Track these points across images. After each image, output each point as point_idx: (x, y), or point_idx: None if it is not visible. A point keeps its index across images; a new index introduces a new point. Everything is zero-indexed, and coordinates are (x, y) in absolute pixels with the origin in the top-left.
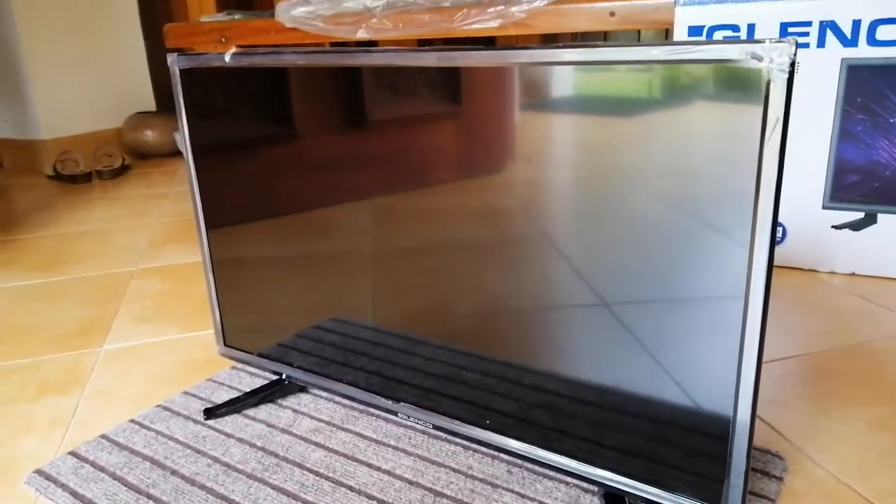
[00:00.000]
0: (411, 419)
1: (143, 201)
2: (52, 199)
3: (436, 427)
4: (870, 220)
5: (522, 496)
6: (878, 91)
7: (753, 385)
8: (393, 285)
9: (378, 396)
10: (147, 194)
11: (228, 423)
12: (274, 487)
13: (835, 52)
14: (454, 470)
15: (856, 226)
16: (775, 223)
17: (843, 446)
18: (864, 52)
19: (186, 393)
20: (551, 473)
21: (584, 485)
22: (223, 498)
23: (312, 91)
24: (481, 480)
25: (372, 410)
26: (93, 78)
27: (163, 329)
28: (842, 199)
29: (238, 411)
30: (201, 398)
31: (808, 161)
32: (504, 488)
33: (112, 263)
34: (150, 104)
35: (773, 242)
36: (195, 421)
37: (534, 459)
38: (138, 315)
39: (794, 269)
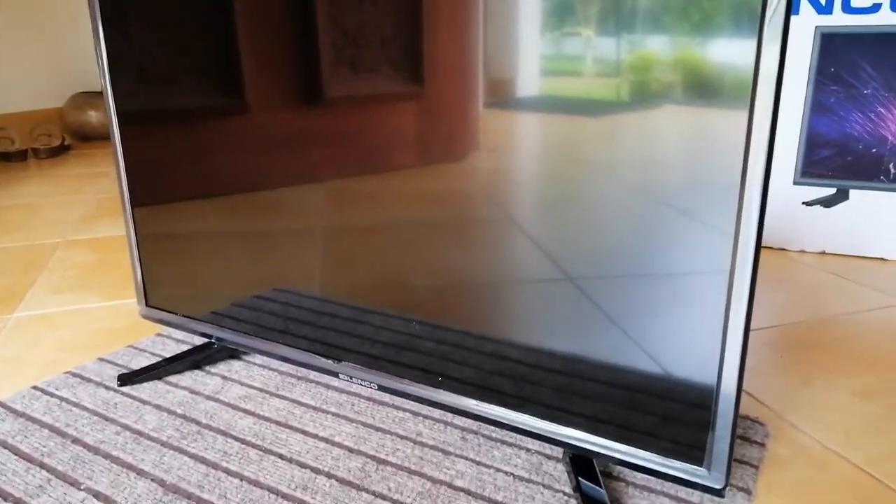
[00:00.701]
0: (354, 380)
1: (79, 179)
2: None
3: (382, 388)
4: (841, 196)
5: (478, 463)
6: (853, 61)
7: (744, 321)
8: (345, 258)
9: (318, 357)
10: (85, 173)
11: (146, 389)
12: (191, 456)
13: (808, 20)
14: (401, 437)
15: (827, 202)
16: (768, 177)
17: (828, 414)
18: (838, 19)
19: (101, 359)
20: (510, 439)
21: (548, 450)
22: (129, 467)
23: (264, 60)
24: (432, 447)
25: (311, 376)
26: (33, 54)
27: (83, 298)
28: (813, 175)
29: (159, 378)
30: (118, 365)
31: (779, 135)
32: (458, 455)
33: (38, 235)
34: (95, 84)
35: (765, 200)
36: (108, 388)
37: (492, 420)
38: (58, 284)
39: (763, 248)
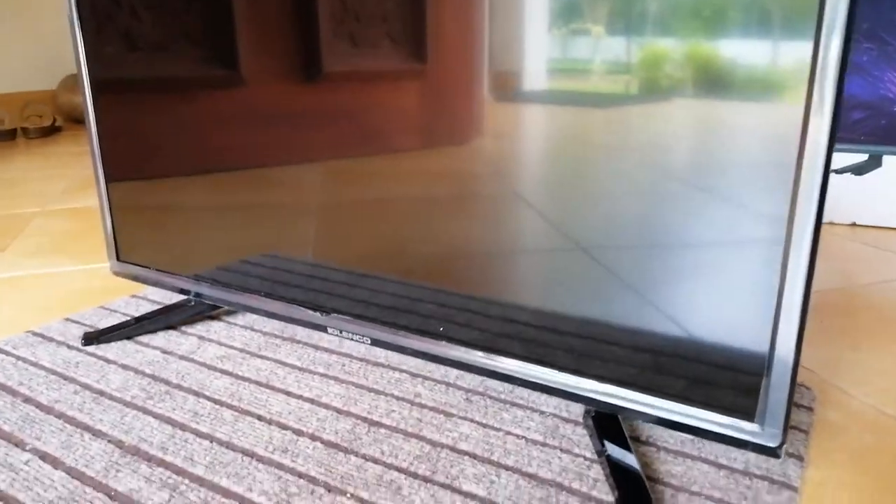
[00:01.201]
0: (345, 335)
1: (67, 157)
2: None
3: (376, 343)
4: (874, 162)
5: (485, 426)
6: (889, 16)
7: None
8: (341, 228)
9: (305, 310)
10: (74, 151)
11: (113, 349)
12: (156, 416)
13: None
14: (398, 398)
15: (859, 169)
16: (835, 127)
17: (880, 379)
18: None
19: (68, 320)
20: (521, 401)
21: (564, 413)
22: (85, 427)
23: (259, 30)
24: (432, 409)
25: (298, 336)
26: (26, 36)
27: (56, 262)
28: (844, 139)
29: (129, 338)
30: (85, 325)
31: None
32: (461, 417)
33: (18, 205)
34: None
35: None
36: (70, 347)
37: (504, 375)
38: (32, 250)
39: None
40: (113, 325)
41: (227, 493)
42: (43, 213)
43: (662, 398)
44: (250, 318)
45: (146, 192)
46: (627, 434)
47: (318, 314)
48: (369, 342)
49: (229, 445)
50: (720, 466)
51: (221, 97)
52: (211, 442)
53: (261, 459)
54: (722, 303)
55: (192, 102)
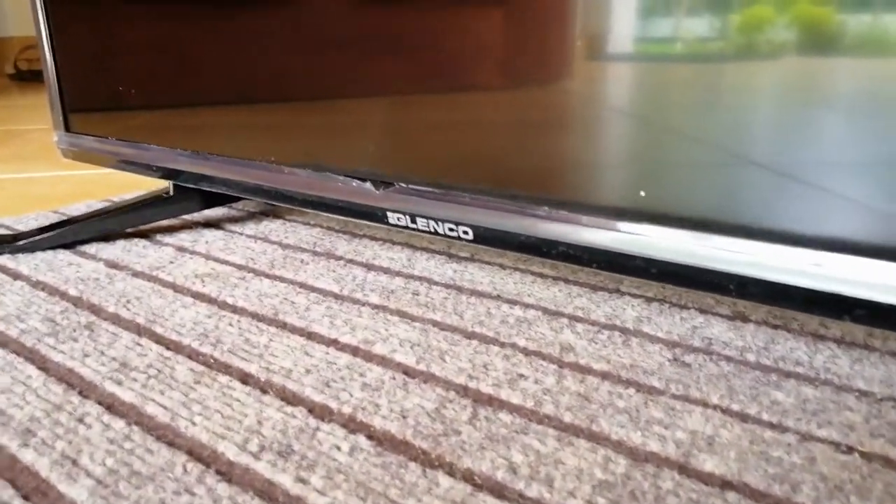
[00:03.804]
0: (419, 222)
1: None
2: (8, 91)
3: (481, 236)
4: None
5: (741, 419)
6: None
7: None
8: (406, 137)
9: (348, 180)
10: None
11: (36, 259)
12: (44, 367)
13: None
14: (527, 351)
15: None
16: None
17: None
18: None
19: None
20: (798, 367)
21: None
22: None
23: None
24: (604, 376)
25: (339, 250)
26: None
27: (29, 167)
28: None
29: (69, 245)
30: (16, 230)
31: None
32: (676, 396)
33: (26, 122)
34: None
35: None
36: None
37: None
38: (9, 156)
39: None
40: (43, 227)
41: None
42: (46, 130)
43: None
44: (264, 226)
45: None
46: None
47: (369, 185)
48: (469, 236)
49: (170, 439)
50: None
51: (261, 15)
52: (134, 427)
53: (229, 478)
54: None
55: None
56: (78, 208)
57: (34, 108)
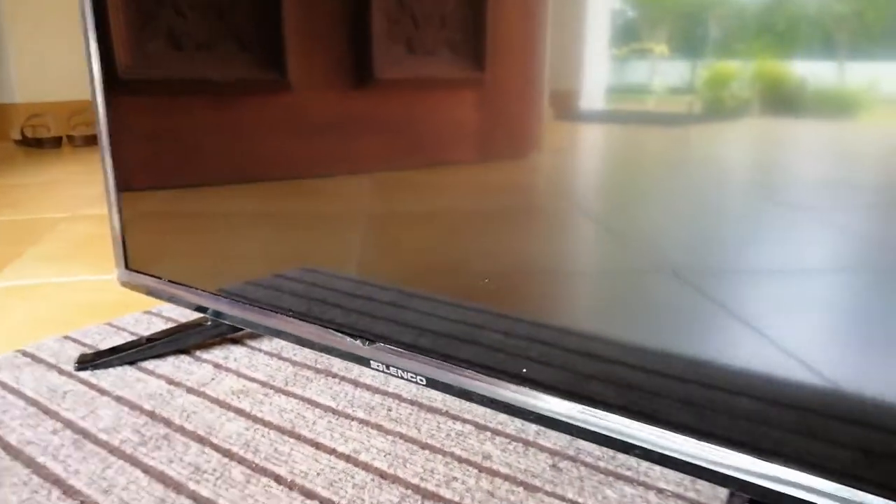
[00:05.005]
0: (393, 371)
1: None
2: (13, 158)
3: (431, 384)
4: None
5: None
6: None
7: None
8: (389, 242)
9: (344, 336)
10: None
11: (111, 376)
12: (147, 470)
13: None
14: (460, 459)
15: None
16: None
17: None
18: None
19: (66, 337)
20: (628, 471)
21: (691, 491)
22: (55, 481)
23: (307, 32)
24: (507, 478)
25: (335, 368)
26: (72, 45)
27: (69, 270)
28: None
29: (132, 362)
30: (85, 344)
31: None
32: (548, 493)
33: (46, 209)
34: None
35: None
36: (62, 372)
37: (612, 440)
38: (48, 255)
39: None
40: (114, 347)
41: None
42: (69, 219)
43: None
44: (278, 344)
45: (165, 198)
46: None
47: (359, 342)
48: (423, 382)
49: None
50: None
51: (260, 102)
52: None
53: None
54: None
55: (222, 107)
56: (127, 321)
57: (47, 186)
